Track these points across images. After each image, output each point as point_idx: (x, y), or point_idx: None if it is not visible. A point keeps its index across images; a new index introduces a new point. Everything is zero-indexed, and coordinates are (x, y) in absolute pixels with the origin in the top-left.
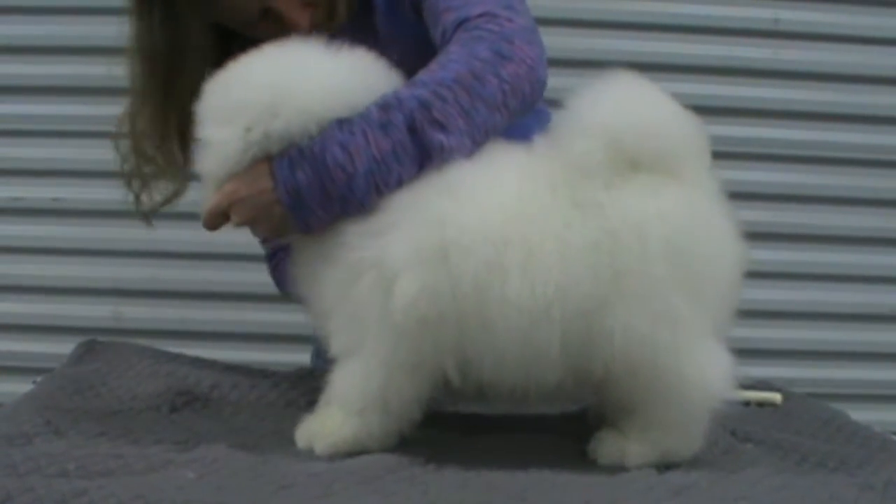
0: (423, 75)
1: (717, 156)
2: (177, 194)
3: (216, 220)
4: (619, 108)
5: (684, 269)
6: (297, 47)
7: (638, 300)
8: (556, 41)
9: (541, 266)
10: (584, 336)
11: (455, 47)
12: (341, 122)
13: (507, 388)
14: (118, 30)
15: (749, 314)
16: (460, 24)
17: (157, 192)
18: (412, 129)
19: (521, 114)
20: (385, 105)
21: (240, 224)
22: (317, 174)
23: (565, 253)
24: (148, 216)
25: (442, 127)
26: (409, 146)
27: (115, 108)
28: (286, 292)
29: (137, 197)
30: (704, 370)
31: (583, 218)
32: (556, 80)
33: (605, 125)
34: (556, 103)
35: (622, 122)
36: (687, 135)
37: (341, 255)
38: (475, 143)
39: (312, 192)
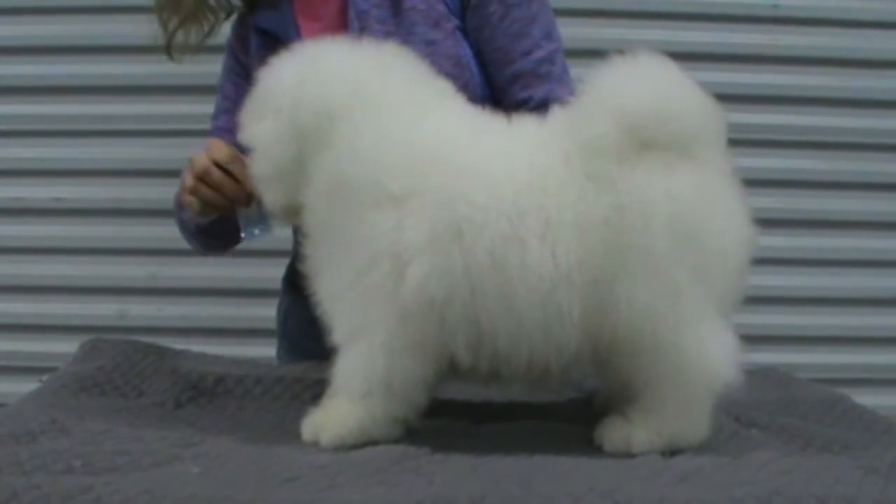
0: None
1: None
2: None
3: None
4: (638, 92)
5: (689, 247)
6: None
7: (641, 274)
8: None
9: (560, 236)
10: (598, 303)
11: None
12: None
13: (524, 359)
14: (119, 29)
15: (752, 300)
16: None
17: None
18: None
19: None
20: None
21: None
22: None
23: (582, 224)
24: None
25: None
26: None
27: (115, 108)
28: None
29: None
30: (705, 348)
31: (595, 192)
32: None
33: (623, 110)
34: None
35: (641, 107)
36: (704, 118)
37: (364, 245)
38: None
39: None
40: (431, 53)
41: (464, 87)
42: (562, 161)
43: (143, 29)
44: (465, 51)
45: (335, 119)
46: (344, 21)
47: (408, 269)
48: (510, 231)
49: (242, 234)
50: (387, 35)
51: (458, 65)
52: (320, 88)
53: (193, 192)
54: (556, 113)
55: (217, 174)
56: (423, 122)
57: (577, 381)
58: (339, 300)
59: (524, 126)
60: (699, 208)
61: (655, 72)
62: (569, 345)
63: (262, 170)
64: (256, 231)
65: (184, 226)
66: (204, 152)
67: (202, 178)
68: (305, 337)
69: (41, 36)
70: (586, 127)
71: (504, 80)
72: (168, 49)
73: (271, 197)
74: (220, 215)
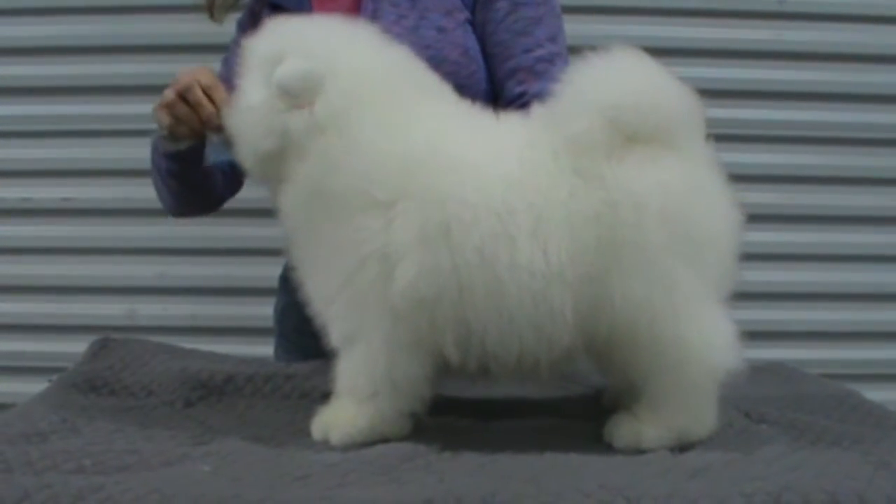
0: None
1: (723, 138)
2: None
3: None
4: (618, 85)
5: (682, 237)
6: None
7: (635, 268)
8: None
9: (551, 233)
10: (591, 299)
11: None
12: None
13: (514, 356)
14: (129, 29)
15: (760, 296)
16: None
17: None
18: None
19: None
20: None
21: None
22: None
23: (573, 221)
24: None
25: None
26: None
27: (123, 108)
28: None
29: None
30: (705, 338)
31: (585, 188)
32: None
33: (605, 104)
34: None
35: (622, 100)
36: (684, 108)
37: (352, 249)
38: None
39: None
40: (441, 40)
41: (469, 78)
42: (550, 157)
43: (152, 29)
44: (473, 43)
45: (321, 131)
46: (358, 2)
47: (397, 269)
48: (500, 228)
49: (206, 159)
50: (399, 18)
51: (465, 55)
52: (327, 102)
53: (171, 106)
54: (538, 110)
55: (199, 93)
56: (411, 123)
57: (567, 375)
58: (330, 302)
59: (511, 122)
60: (689, 198)
61: (631, 65)
62: (560, 341)
63: (242, 140)
64: (220, 159)
65: (157, 169)
66: (189, 72)
67: (182, 94)
68: (302, 334)
69: (49, 36)
70: (570, 123)
71: (502, 75)
72: (210, 9)
73: (242, 159)
74: (188, 146)
